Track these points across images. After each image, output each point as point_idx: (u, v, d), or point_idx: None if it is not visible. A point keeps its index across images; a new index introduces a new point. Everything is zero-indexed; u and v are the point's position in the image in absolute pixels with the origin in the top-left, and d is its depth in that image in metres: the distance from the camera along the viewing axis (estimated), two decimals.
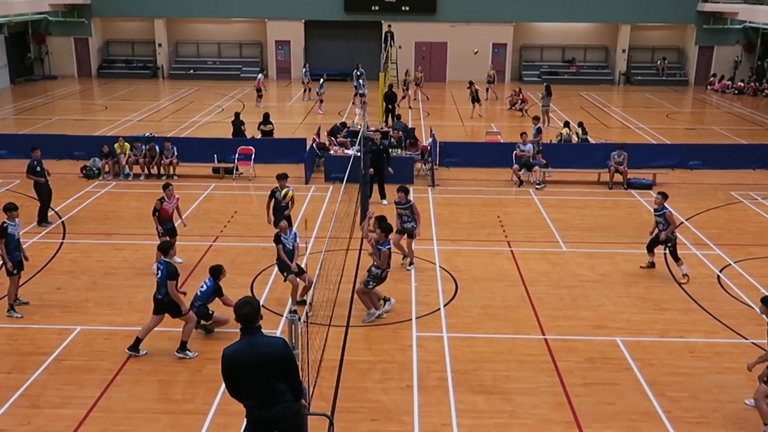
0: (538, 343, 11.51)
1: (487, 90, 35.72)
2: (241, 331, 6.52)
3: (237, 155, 21.74)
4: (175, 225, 14.41)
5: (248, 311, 6.38)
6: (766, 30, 39.67)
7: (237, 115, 24.47)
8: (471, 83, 32.22)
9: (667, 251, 14.28)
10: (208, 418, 9.39)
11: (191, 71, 44.00)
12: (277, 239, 12.39)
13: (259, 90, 33.69)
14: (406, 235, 14.34)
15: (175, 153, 21.06)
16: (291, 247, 12.48)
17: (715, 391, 10.20)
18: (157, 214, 13.96)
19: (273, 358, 6.37)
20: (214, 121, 30.02)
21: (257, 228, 16.54)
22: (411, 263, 14.47)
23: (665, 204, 14.08)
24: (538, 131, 22.74)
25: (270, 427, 6.60)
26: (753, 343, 11.56)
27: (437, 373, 10.56)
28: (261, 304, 6.78)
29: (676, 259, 14.09)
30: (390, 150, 20.25)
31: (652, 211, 14.54)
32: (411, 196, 14.64)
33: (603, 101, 36.98)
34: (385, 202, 18.38)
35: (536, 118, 24.34)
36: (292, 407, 6.57)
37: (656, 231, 14.18)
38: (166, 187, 14.18)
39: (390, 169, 18.96)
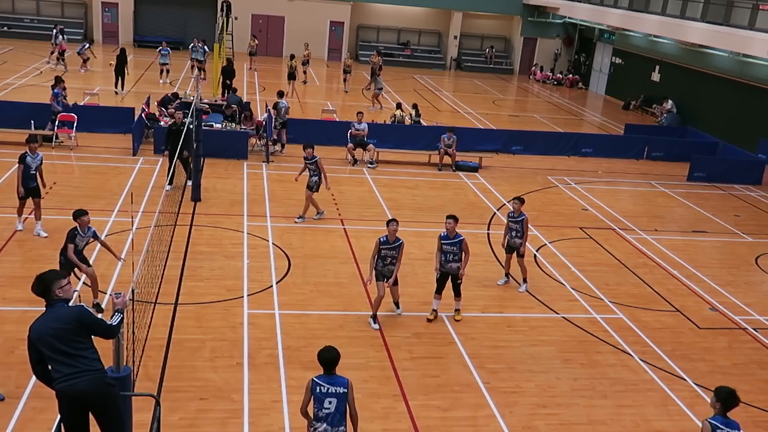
0: (367, 320, 11.77)
1: (344, 80, 34.94)
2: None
3: (57, 122, 20.35)
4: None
5: (36, 289, 6.47)
6: (583, 26, 42.60)
7: (57, 79, 22.82)
8: (292, 56, 30.84)
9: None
10: (21, 402, 8.82)
11: (5, 28, 40.43)
12: (72, 237, 10.89)
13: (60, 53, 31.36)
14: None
15: None
16: (82, 248, 11.08)
17: (529, 362, 10.94)
18: None
19: (71, 321, 6.25)
20: (32, 84, 27.86)
21: (79, 201, 15.58)
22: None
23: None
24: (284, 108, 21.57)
25: (81, 402, 6.25)
26: (563, 317, 12.52)
27: (268, 350, 10.54)
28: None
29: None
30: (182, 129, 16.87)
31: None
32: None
33: (435, 85, 38.14)
34: (168, 187, 15.63)
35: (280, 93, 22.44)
36: (103, 379, 6.27)
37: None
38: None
39: (186, 152, 16.87)
